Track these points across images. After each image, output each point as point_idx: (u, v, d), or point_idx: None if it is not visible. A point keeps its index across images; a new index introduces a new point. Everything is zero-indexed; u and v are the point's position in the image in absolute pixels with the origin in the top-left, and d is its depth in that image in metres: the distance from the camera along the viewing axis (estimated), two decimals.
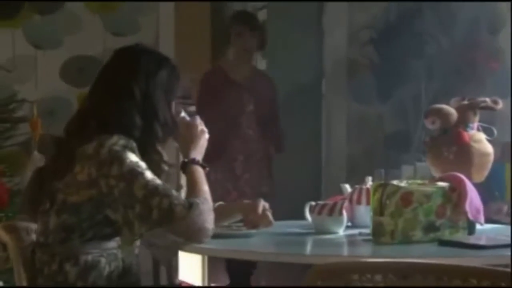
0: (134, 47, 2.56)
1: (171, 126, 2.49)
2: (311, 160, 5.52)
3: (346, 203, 2.84)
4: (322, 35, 5.40)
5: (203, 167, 2.50)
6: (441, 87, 4.81)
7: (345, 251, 2.45)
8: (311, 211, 2.72)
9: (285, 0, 5.80)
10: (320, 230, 2.68)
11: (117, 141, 2.33)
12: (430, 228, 2.42)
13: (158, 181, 2.32)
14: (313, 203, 2.74)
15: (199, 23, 6.95)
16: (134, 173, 2.30)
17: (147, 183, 2.30)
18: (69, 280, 2.36)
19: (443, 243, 2.37)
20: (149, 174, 2.32)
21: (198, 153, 2.52)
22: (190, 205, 2.31)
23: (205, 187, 2.43)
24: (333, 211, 2.67)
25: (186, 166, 2.48)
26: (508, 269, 1.66)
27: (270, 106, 4.64)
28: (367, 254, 2.37)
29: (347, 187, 2.97)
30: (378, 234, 2.41)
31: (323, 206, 2.69)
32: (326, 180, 5.27)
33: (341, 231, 2.67)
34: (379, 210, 2.40)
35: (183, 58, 5.84)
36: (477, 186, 2.74)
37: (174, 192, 2.32)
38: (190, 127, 2.55)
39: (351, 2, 5.10)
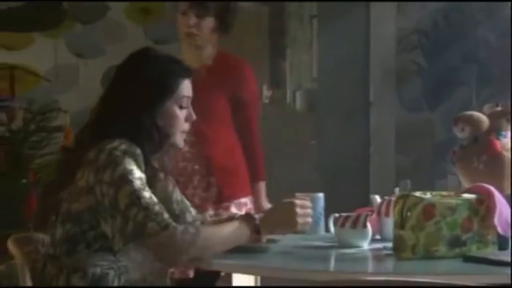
0: (141, 52, 2.48)
1: (166, 133, 2.38)
2: (358, 171, 5.36)
3: (374, 215, 2.71)
4: (369, 40, 5.26)
5: (256, 232, 2.29)
6: (492, 91, 4.62)
7: (362, 267, 2.30)
8: (334, 223, 2.60)
9: None
10: (343, 243, 2.54)
11: (118, 145, 2.25)
12: (456, 243, 2.26)
13: (146, 194, 2.20)
14: (336, 214, 2.61)
15: (248, 28, 6.85)
16: (124, 180, 2.20)
17: (132, 193, 2.19)
18: None
19: (468, 259, 2.21)
20: (138, 184, 2.20)
21: (268, 222, 2.31)
22: (166, 226, 2.18)
23: (217, 233, 2.27)
24: (357, 224, 2.54)
25: (242, 216, 2.34)
26: None
27: (225, 117, 3.34)
28: (384, 271, 2.23)
29: (377, 198, 2.83)
30: (399, 249, 2.26)
31: (346, 218, 2.56)
32: (374, 191, 5.11)
33: (366, 245, 2.53)
34: (400, 223, 2.26)
35: None
36: None
37: (158, 209, 2.19)
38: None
39: (398, 7, 4.95)
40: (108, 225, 2.23)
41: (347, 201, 4.72)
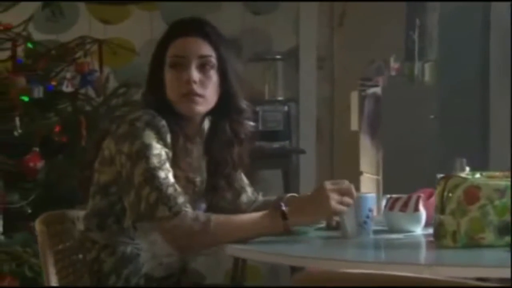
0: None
1: (168, 100, 2.22)
2: (477, 147, 4.97)
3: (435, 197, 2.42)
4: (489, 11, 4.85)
5: (285, 225, 2.04)
6: None
7: (395, 256, 2.02)
8: (385, 206, 2.33)
9: None
10: (392, 228, 2.27)
11: (141, 116, 2.12)
12: (506, 230, 1.95)
13: (161, 173, 2.05)
14: (388, 196, 2.34)
15: None
16: (140, 155, 2.06)
17: (146, 170, 2.05)
18: (104, 270, 2.18)
19: None
20: (155, 162, 2.05)
21: (298, 212, 2.05)
22: (177, 212, 2.02)
23: (234, 221, 2.06)
24: (407, 207, 2.26)
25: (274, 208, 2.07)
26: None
27: None
28: (416, 261, 1.96)
29: None
30: (439, 236, 1.98)
31: (396, 200, 2.29)
32: (494, 166, 4.71)
33: (419, 230, 2.25)
34: (440, 207, 1.97)
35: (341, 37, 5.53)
36: None
37: (171, 191, 2.04)
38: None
39: None
40: (125, 199, 2.11)
41: None
